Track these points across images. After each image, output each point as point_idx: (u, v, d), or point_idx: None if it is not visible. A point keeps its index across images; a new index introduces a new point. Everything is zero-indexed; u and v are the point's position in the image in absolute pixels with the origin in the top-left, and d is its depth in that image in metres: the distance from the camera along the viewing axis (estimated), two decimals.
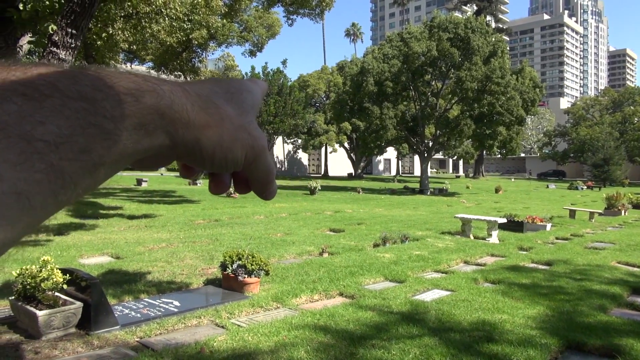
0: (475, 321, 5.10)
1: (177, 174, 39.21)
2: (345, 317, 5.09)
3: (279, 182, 34.50)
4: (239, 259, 6.09)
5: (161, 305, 5.43)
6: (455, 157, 60.90)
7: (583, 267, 8.24)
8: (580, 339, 4.66)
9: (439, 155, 69.74)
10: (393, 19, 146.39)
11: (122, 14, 8.43)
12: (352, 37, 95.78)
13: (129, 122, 0.32)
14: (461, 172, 79.34)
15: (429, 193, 31.69)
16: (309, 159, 60.08)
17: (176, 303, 5.54)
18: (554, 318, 5.33)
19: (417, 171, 54.83)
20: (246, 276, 6.02)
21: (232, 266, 6.08)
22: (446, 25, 28.70)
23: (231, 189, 0.41)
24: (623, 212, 19.76)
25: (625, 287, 6.82)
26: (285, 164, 56.74)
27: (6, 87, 0.28)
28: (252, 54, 23.17)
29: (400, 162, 63.22)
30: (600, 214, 18.41)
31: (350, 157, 53.12)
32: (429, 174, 49.13)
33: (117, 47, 10.98)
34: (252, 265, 6.02)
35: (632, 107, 63.78)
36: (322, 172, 55.05)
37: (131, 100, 0.32)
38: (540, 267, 8.38)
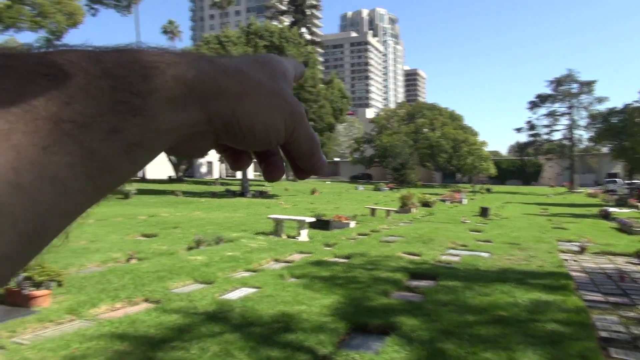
0: (276, 314, 5.42)
1: None
2: (146, 323, 4.95)
3: None
4: (24, 270, 5.45)
5: None
6: None
7: (375, 258, 9.33)
8: (364, 321, 5.30)
9: None
10: (213, 21, 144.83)
11: None
12: (170, 35, 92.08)
13: (158, 97, 0.30)
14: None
15: (249, 196, 32.21)
16: None
17: None
18: (345, 305, 5.95)
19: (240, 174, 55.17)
20: (34, 289, 5.42)
21: (15, 279, 5.41)
22: (262, 33, 29.68)
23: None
24: (414, 209, 22.82)
25: (405, 273, 7.93)
26: None
27: (28, 68, 0.26)
28: (49, 42, 20.78)
29: (223, 164, 62.90)
30: (395, 212, 20.94)
31: (170, 160, 51.01)
32: (252, 177, 49.95)
33: None
34: (40, 276, 5.45)
35: (422, 119, 73.81)
36: (141, 176, 51.79)
37: (156, 73, 0.31)
38: (341, 260, 9.23)
